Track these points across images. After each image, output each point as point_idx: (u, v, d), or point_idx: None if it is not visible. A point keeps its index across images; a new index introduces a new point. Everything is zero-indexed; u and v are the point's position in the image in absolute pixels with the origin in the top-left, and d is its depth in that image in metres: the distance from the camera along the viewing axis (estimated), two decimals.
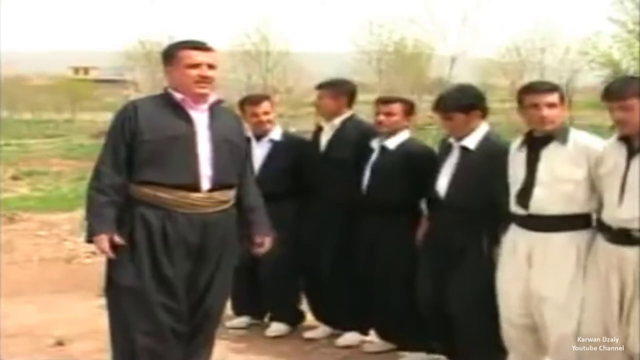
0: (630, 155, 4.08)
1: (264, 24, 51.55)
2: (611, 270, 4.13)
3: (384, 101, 5.45)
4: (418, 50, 49.78)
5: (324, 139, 5.73)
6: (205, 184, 4.33)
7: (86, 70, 74.48)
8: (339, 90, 5.76)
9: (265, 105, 5.99)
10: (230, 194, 4.48)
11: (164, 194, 4.26)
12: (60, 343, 5.59)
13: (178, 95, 4.37)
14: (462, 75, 42.26)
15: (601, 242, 4.22)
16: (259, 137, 5.99)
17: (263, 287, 5.96)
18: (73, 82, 56.91)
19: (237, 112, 6.05)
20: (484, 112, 4.91)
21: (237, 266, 5.97)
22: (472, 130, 4.85)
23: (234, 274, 5.99)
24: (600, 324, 4.20)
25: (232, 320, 6.14)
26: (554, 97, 4.39)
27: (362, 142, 5.50)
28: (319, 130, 5.83)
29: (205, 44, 4.45)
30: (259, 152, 5.94)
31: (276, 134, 6.02)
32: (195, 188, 4.31)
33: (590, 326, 4.25)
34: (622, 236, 4.07)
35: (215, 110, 4.47)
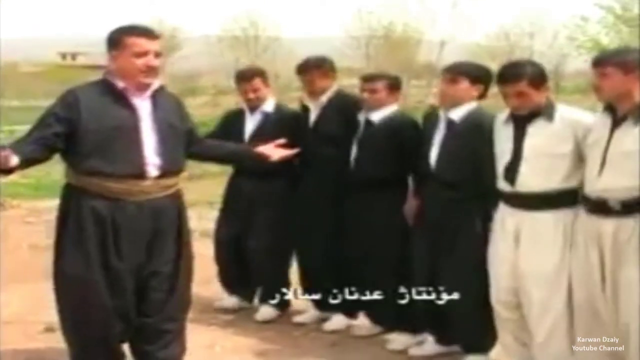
0: (614, 126, 4.13)
1: (253, 9, 51.38)
2: (590, 241, 4.19)
3: (367, 79, 5.48)
4: (407, 35, 49.61)
5: (313, 116, 5.76)
6: (153, 171, 4.33)
7: (73, 56, 73.89)
8: (326, 67, 5.81)
9: (255, 83, 6.03)
10: (176, 179, 4.51)
11: (112, 184, 4.25)
12: (50, 330, 5.60)
13: (120, 84, 4.33)
14: (451, 60, 42.06)
15: (582, 214, 4.27)
16: (252, 110, 6.02)
17: (253, 265, 6.00)
18: (62, 69, 56.51)
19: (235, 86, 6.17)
20: (485, 90, 4.97)
21: (227, 244, 6.05)
22: (461, 103, 4.89)
23: (224, 252, 6.07)
24: (585, 293, 4.26)
25: (221, 301, 6.18)
26: (520, 86, 4.40)
27: (350, 116, 5.55)
28: (305, 109, 5.86)
29: (153, 31, 4.40)
30: (251, 123, 6.00)
31: (269, 106, 6.07)
32: (143, 176, 4.30)
33: (575, 295, 4.32)
34: (600, 207, 4.12)
35: (158, 96, 4.44)
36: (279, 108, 6.14)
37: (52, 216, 10.79)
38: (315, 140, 5.66)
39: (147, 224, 4.35)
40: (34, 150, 4.22)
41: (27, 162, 4.19)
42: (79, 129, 4.24)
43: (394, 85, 5.47)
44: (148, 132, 4.35)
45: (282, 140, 4.93)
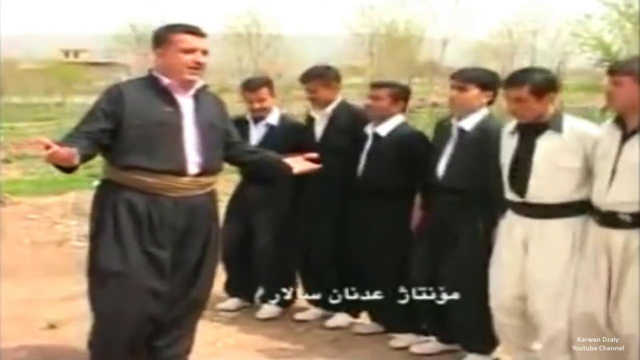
0: (624, 139, 4.09)
1: (255, 7, 51.43)
2: (599, 252, 4.15)
3: (373, 86, 5.49)
4: (409, 33, 49.64)
5: (319, 129, 5.74)
6: (193, 169, 4.33)
7: (76, 53, 73.98)
8: (329, 78, 5.78)
9: (262, 92, 5.99)
10: (214, 178, 4.50)
11: (150, 179, 4.24)
12: (52, 326, 5.61)
13: (165, 80, 4.33)
14: (454, 58, 42.15)
15: (592, 225, 4.24)
16: (256, 120, 6.00)
17: (257, 267, 6.00)
18: (64, 65, 56.49)
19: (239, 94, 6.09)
20: (494, 96, 4.94)
21: (231, 245, 6.04)
22: (472, 111, 4.87)
23: (228, 254, 6.07)
24: (587, 306, 4.22)
25: (223, 303, 6.18)
26: (520, 92, 4.36)
27: (356, 128, 5.53)
28: (310, 120, 5.84)
29: (200, 29, 4.40)
30: (255, 135, 5.97)
31: (273, 118, 6.03)
32: (183, 173, 4.30)
33: (577, 307, 4.29)
34: (610, 219, 4.09)
35: (200, 95, 4.44)
36: (283, 120, 6.09)
37: (53, 213, 10.87)
38: (321, 152, 5.63)
39: (181, 220, 4.35)
40: (86, 146, 4.19)
41: (83, 160, 4.17)
42: (123, 124, 4.23)
43: (398, 95, 5.43)
44: (190, 129, 4.35)
45: (313, 155, 4.86)
